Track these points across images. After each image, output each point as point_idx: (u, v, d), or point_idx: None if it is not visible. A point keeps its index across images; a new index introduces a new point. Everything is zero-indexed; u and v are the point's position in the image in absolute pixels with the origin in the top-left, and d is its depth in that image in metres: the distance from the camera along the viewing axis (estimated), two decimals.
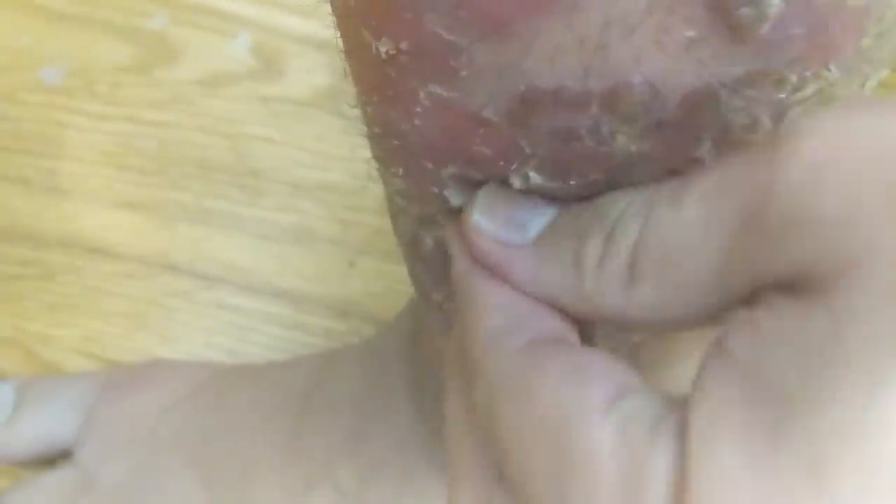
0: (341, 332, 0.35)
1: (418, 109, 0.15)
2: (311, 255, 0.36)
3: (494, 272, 0.16)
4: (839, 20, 0.13)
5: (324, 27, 0.43)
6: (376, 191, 0.38)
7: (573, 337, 0.16)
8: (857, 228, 0.11)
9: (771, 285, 0.13)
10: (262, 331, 0.35)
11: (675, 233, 0.13)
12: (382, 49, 0.14)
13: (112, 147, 0.37)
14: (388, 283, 0.36)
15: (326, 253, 0.36)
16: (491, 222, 0.16)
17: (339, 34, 0.16)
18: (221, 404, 0.29)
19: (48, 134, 0.37)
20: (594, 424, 0.13)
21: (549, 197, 0.16)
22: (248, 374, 0.31)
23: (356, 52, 0.15)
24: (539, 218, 0.16)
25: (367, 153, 0.39)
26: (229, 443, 0.28)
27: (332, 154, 0.38)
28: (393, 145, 0.16)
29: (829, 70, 0.14)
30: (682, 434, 0.12)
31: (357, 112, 0.40)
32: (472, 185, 0.16)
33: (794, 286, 0.12)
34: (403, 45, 0.14)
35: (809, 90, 0.14)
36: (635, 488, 0.12)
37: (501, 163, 0.15)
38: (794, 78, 0.14)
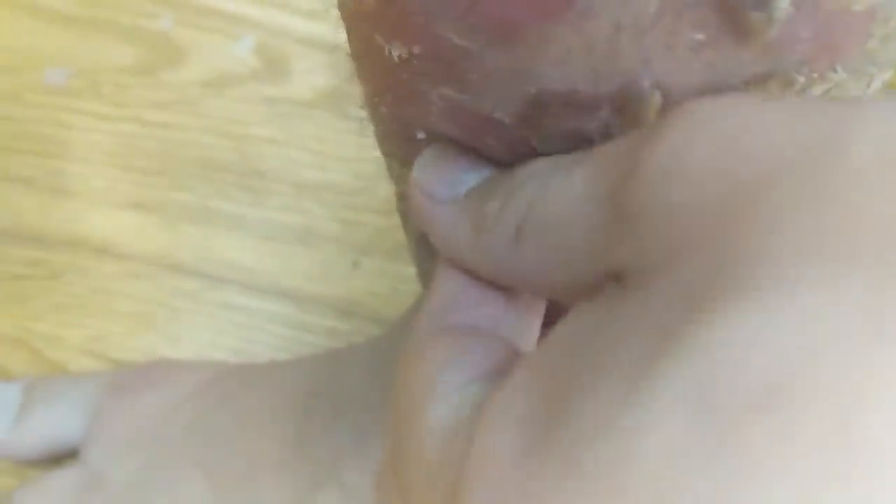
0: (345, 332, 0.35)
1: (434, 109, 0.15)
2: (315, 255, 0.37)
3: (424, 229, 0.16)
4: (845, 23, 0.13)
5: (327, 28, 0.43)
6: (379, 191, 0.38)
7: (499, 327, 0.16)
8: (684, 228, 0.11)
9: (615, 273, 0.12)
10: (266, 330, 0.35)
11: (560, 203, 0.13)
12: (395, 53, 0.14)
13: (117, 148, 0.37)
14: (391, 283, 0.36)
15: (330, 253, 0.37)
16: (427, 178, 0.16)
17: (346, 37, 0.16)
18: (228, 404, 0.30)
19: (53, 135, 0.38)
20: (433, 405, 0.13)
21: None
22: (253, 373, 0.31)
23: (367, 55, 0.16)
24: (472, 177, 0.16)
25: (371, 153, 0.39)
26: (236, 442, 0.28)
27: (335, 155, 0.38)
28: (412, 140, 0.16)
29: (835, 72, 0.14)
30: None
31: (360, 113, 0.40)
32: None
33: (623, 277, 0.12)
34: (415, 49, 0.14)
35: (816, 91, 0.14)
36: (439, 472, 0.13)
37: (512, 162, 0.15)
38: (801, 79, 0.14)
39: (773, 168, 0.10)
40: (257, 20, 0.39)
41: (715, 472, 0.09)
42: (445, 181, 0.16)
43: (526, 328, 0.16)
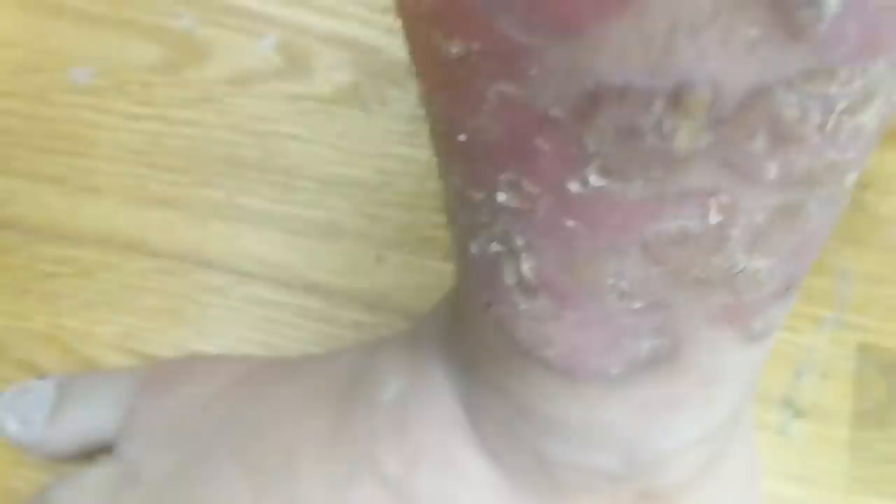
0: (372, 325, 0.36)
1: (485, 108, 0.15)
2: (340, 249, 0.37)
3: None
4: (891, 18, 0.14)
5: (349, 25, 0.44)
6: (402, 186, 0.38)
7: None
8: None
9: None
10: (294, 324, 0.36)
11: None
12: (453, 50, 0.15)
13: (144, 146, 0.38)
14: (415, 277, 0.37)
15: (355, 248, 0.37)
16: None
17: (405, 35, 0.16)
18: (262, 397, 0.30)
19: (80, 134, 0.38)
20: None
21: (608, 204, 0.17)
22: (286, 367, 0.31)
23: (424, 53, 0.16)
24: None
25: (393, 149, 0.40)
26: (272, 435, 0.29)
27: (357, 150, 0.39)
28: (458, 143, 0.17)
29: (876, 65, 0.15)
30: None
31: (379, 108, 0.40)
32: (525, 195, 0.17)
33: None
34: (475, 46, 0.15)
35: (857, 85, 0.15)
36: None
37: (562, 164, 0.16)
38: (844, 74, 0.14)
39: None
40: (279, 18, 0.40)
41: None
42: None
43: None
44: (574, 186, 0.16)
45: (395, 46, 0.38)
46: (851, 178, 0.19)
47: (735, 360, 0.21)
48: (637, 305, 0.20)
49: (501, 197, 0.17)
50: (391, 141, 0.38)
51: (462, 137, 0.17)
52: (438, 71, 0.16)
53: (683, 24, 0.13)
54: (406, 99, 0.38)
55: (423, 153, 0.38)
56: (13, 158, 0.38)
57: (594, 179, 0.16)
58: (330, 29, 0.39)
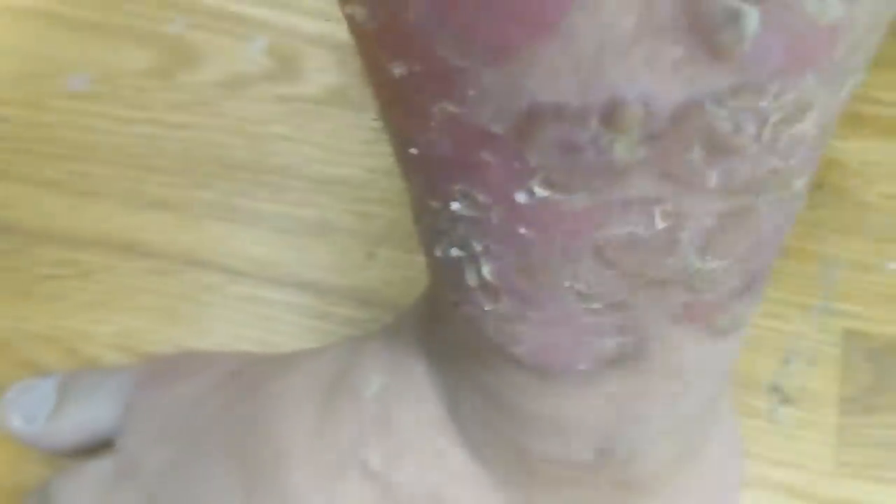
0: (363, 321, 0.37)
1: (432, 124, 0.16)
2: (331, 247, 0.38)
3: None
4: (813, 36, 0.14)
5: (336, 28, 0.44)
6: (389, 184, 0.39)
7: None
8: None
9: None
10: (287, 321, 0.37)
11: None
12: (397, 70, 0.16)
13: (139, 149, 0.39)
14: (405, 273, 0.38)
15: (345, 245, 0.38)
16: None
17: (358, 52, 0.17)
18: (254, 392, 0.31)
19: (77, 138, 0.39)
20: None
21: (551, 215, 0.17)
22: (277, 362, 0.32)
23: (373, 71, 0.17)
24: None
25: (380, 148, 0.41)
26: (263, 430, 0.29)
27: (347, 150, 0.39)
28: (413, 155, 0.18)
29: (806, 79, 0.15)
30: None
31: (367, 108, 0.41)
32: (478, 205, 0.18)
33: None
34: (416, 68, 0.15)
35: (789, 98, 0.15)
36: None
37: (508, 177, 0.16)
38: (774, 88, 0.15)
39: None
40: (268, 21, 0.40)
41: None
42: None
43: None
44: (521, 197, 0.17)
45: None
46: (801, 182, 0.19)
47: (704, 355, 0.22)
48: (596, 306, 0.20)
49: (455, 206, 0.18)
50: (378, 140, 0.38)
51: (414, 151, 0.17)
52: (387, 88, 0.17)
53: (610, 45, 0.14)
54: None
55: None
56: (12, 164, 0.39)
57: (539, 191, 0.17)
58: (318, 31, 0.40)
